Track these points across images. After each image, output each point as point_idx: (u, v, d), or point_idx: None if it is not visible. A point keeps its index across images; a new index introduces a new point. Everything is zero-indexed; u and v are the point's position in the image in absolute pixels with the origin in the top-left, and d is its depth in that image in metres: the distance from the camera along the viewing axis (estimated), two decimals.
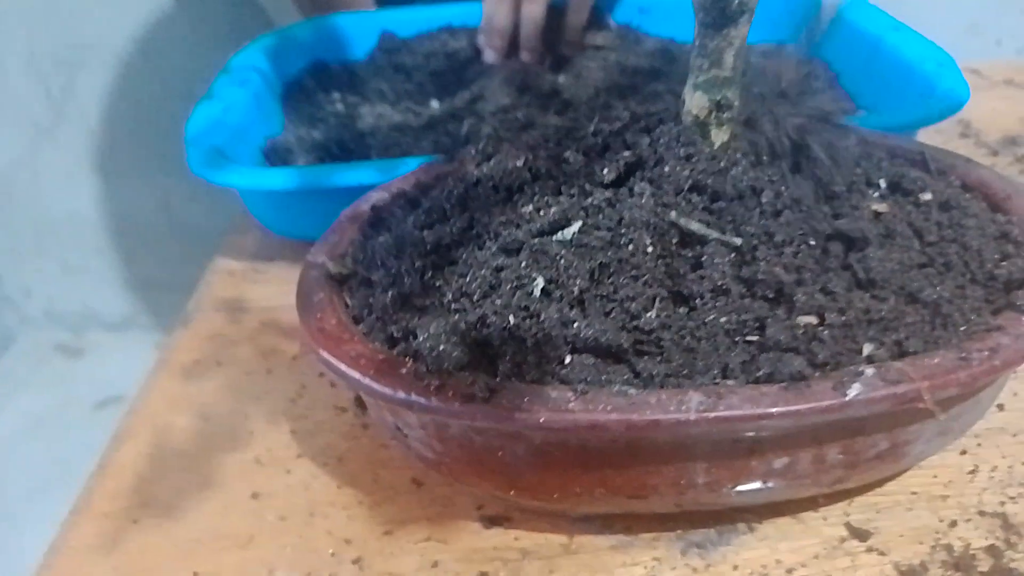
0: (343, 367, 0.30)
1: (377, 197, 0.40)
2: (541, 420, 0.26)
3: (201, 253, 0.57)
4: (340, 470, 0.37)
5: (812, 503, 0.33)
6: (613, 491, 0.30)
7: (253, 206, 0.52)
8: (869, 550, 0.32)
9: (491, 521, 0.34)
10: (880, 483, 0.33)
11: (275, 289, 0.50)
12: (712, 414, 0.26)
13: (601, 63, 0.59)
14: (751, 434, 0.27)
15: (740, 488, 0.30)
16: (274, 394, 0.41)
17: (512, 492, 0.31)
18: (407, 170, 0.43)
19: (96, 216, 1.48)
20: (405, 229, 0.35)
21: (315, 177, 0.47)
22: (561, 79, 0.57)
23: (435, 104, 0.61)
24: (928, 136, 0.53)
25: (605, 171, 0.31)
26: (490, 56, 0.66)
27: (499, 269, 0.29)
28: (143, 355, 1.51)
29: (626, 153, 0.33)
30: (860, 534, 0.32)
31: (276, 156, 0.55)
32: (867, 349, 0.28)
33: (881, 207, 0.34)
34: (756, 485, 0.30)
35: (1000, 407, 0.37)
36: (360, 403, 0.40)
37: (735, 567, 0.31)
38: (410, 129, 0.55)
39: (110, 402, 1.42)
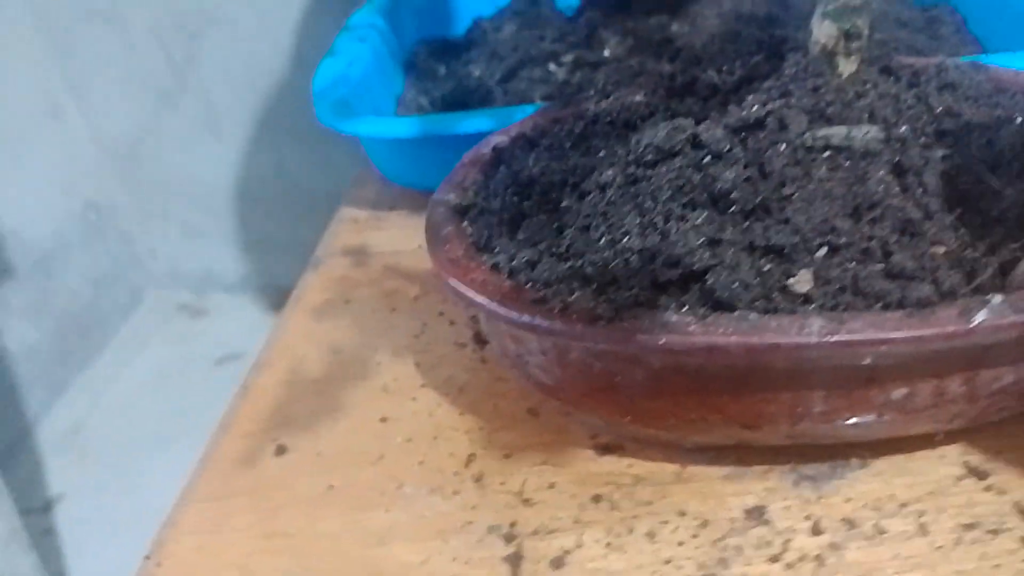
0: (471, 294, 0.31)
1: (497, 140, 0.41)
2: (661, 342, 0.27)
3: (313, 214, 0.60)
4: (461, 399, 0.39)
5: (928, 441, 0.33)
6: (728, 419, 0.30)
7: (375, 155, 0.54)
8: (987, 488, 0.31)
9: (605, 449, 0.35)
10: (1001, 423, 0.33)
11: (396, 235, 0.52)
12: (834, 338, 0.26)
13: (716, 9, 0.59)
14: (871, 361, 0.27)
15: (855, 420, 0.30)
16: (398, 330, 0.44)
17: (628, 418, 0.32)
18: (523, 116, 0.44)
19: (214, 180, 1.55)
20: (525, 164, 0.36)
21: (436, 125, 0.49)
22: (675, 27, 0.57)
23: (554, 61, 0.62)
24: None
25: (729, 107, 0.32)
26: None
27: (634, 188, 0.30)
28: (259, 315, 1.59)
29: (750, 93, 0.33)
30: (979, 473, 0.32)
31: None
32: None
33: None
34: (872, 417, 0.30)
35: None
36: (479, 339, 0.42)
37: (848, 500, 0.32)
38: (527, 81, 0.57)
39: (229, 359, 1.50)
